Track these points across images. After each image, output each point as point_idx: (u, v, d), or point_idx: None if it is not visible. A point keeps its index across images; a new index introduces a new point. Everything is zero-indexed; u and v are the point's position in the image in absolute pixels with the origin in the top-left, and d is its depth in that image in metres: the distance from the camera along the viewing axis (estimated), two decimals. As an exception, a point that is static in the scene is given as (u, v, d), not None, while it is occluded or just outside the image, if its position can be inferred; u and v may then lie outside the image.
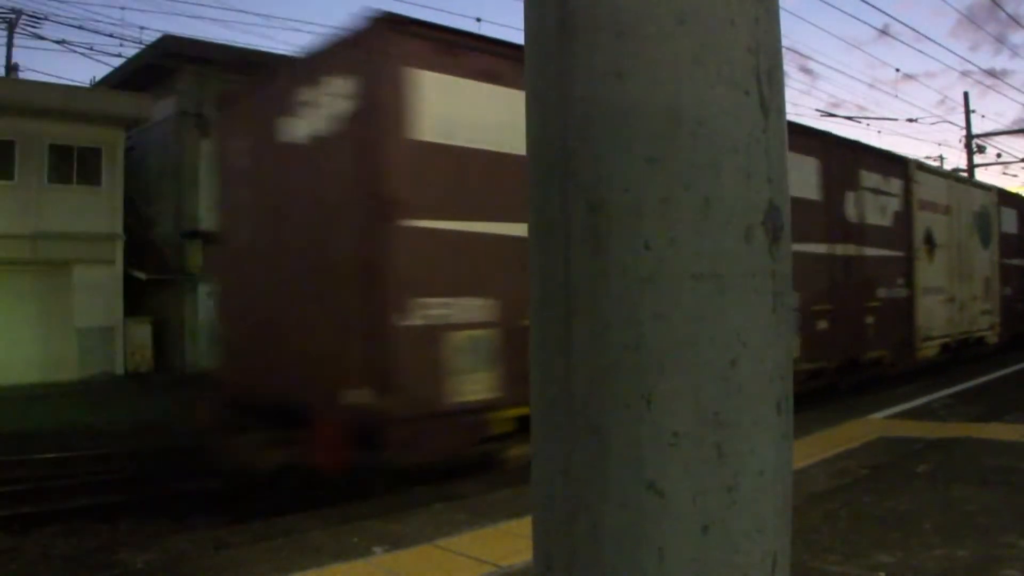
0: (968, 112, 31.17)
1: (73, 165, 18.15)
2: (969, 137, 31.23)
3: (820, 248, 9.99)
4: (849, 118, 52.27)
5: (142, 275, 19.06)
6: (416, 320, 5.71)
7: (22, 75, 21.52)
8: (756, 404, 0.99)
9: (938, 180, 13.84)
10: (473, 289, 6.04)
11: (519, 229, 5.42)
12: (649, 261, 0.96)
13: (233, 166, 7.55)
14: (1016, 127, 55.39)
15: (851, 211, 10.81)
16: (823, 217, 10.14)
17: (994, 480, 5.43)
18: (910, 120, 43.13)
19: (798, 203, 8.68)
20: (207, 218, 20.33)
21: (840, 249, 10.44)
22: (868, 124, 58.25)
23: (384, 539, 4.50)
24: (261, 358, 7.02)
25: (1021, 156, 72.47)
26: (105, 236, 18.33)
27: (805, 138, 9.96)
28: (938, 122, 67.26)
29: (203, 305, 20.24)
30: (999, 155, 33.32)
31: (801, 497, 4.96)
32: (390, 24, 5.80)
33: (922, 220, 12.70)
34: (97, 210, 18.33)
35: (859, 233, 10.91)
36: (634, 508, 0.96)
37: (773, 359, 1.01)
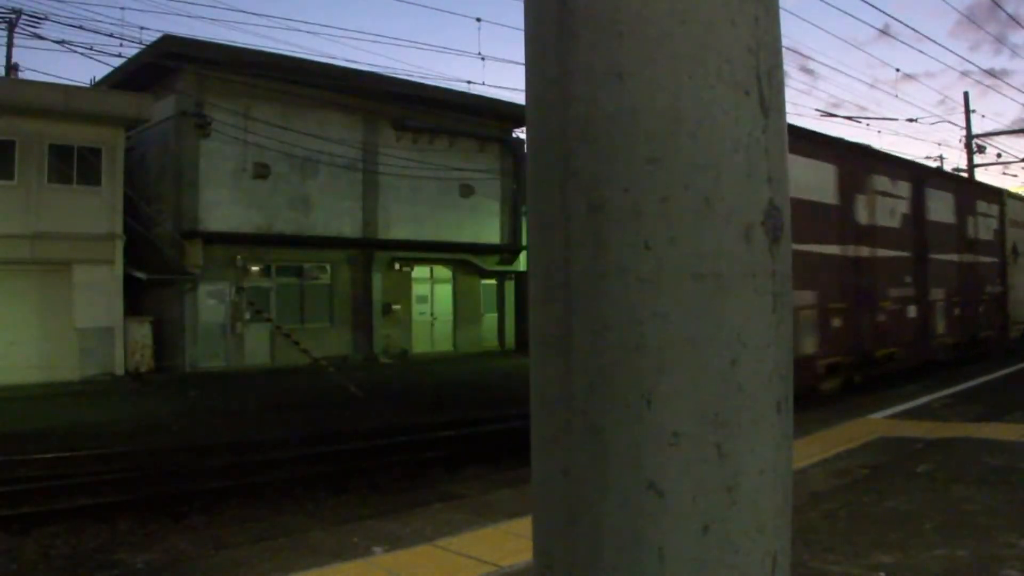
0: (968, 112, 31.19)
1: (73, 165, 18.14)
2: (969, 137, 31.24)
3: (953, 257, 14.16)
4: (849, 118, 52.22)
5: (142, 275, 19.06)
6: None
7: (22, 75, 21.54)
8: (756, 404, 0.99)
9: (1019, 203, 18.69)
10: (805, 285, 9.72)
11: (825, 248, 10.36)
12: (649, 261, 0.96)
13: None
14: (1016, 127, 55.41)
15: (971, 231, 15.34)
16: (957, 236, 14.49)
17: (994, 480, 5.43)
18: (910, 120, 43.16)
19: (945, 226, 13.84)
20: (206, 218, 20.37)
21: (965, 258, 14.76)
22: (868, 124, 58.28)
23: (384, 539, 4.50)
24: None
25: (1021, 156, 72.46)
26: (105, 236, 18.33)
27: (945, 179, 15.55)
28: (938, 122, 67.17)
29: (203, 305, 20.27)
30: (999, 155, 33.33)
31: (801, 497, 4.96)
32: None
33: (1011, 235, 17.47)
34: (97, 210, 18.33)
35: (975, 246, 15.34)
36: (634, 508, 0.96)
37: (773, 359, 1.01)
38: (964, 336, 14.43)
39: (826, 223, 10.46)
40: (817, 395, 9.75)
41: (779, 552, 1.01)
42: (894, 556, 3.91)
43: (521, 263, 26.77)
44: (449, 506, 5.65)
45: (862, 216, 11.42)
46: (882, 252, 11.70)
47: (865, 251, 11.36)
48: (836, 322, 10.51)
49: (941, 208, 13.73)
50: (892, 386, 10.83)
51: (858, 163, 11.66)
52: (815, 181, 10.28)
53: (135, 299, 19.20)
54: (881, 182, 12.05)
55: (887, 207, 12.05)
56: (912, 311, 12.41)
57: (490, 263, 26.23)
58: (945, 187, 14.42)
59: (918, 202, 12.95)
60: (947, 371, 12.52)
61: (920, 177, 13.40)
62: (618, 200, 0.97)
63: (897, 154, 16.65)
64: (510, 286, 26.89)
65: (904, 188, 12.64)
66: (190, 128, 20.09)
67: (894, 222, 12.22)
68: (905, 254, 12.39)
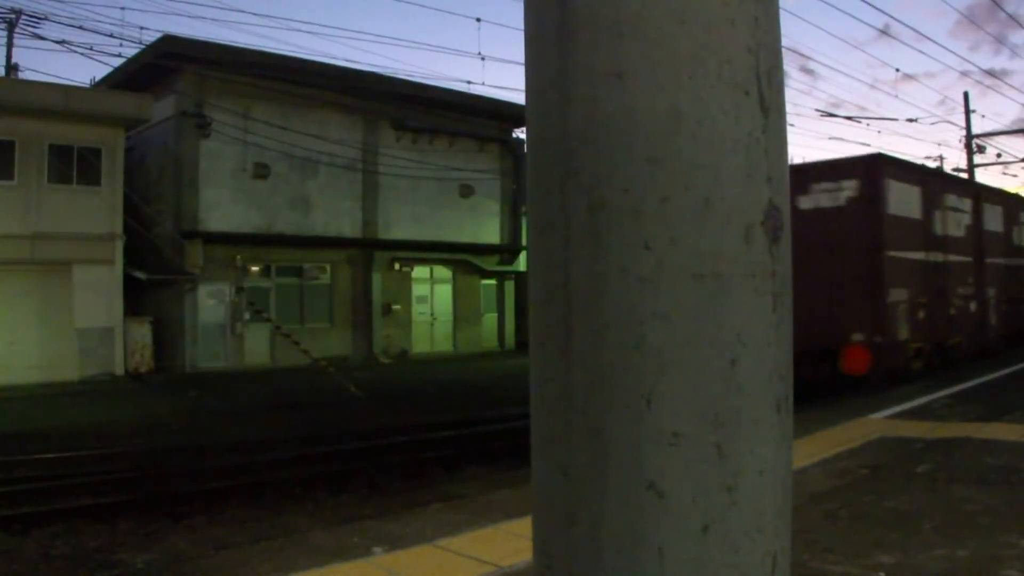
0: (968, 112, 31.18)
1: (73, 165, 18.13)
2: (969, 137, 31.23)
3: (1001, 261, 16.12)
4: (849, 118, 52.01)
5: (142, 275, 19.06)
6: (890, 299, 11.54)
7: (22, 75, 21.54)
8: (756, 404, 0.99)
9: None
10: (900, 284, 11.80)
11: (913, 255, 12.28)
12: (649, 261, 0.96)
13: None
14: (1016, 127, 55.36)
15: (1016, 238, 17.36)
16: (1004, 242, 16.63)
17: (994, 480, 5.43)
18: (910, 120, 43.11)
19: (995, 235, 15.92)
20: (206, 218, 20.38)
21: (1011, 261, 16.67)
22: (868, 124, 58.16)
23: (384, 539, 4.50)
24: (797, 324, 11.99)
25: (1021, 156, 72.48)
26: (105, 236, 18.32)
27: (995, 194, 17.20)
28: (938, 122, 67.11)
29: (203, 305, 20.27)
30: (999, 155, 33.27)
31: (801, 497, 4.96)
32: (879, 158, 12.45)
33: None
34: (97, 210, 18.32)
35: (1019, 251, 17.43)
36: (634, 508, 0.96)
37: (773, 359, 1.01)
38: (1011, 329, 16.32)
39: (913, 234, 12.52)
40: (909, 373, 12.00)
41: (779, 552, 1.01)
42: (894, 556, 3.91)
43: (521, 263, 26.77)
44: (449, 506, 5.65)
45: (938, 228, 13.49)
46: (952, 257, 13.85)
47: (940, 256, 13.41)
48: (920, 315, 12.47)
49: (993, 219, 15.96)
50: (958, 369, 12.88)
51: (935, 184, 13.85)
52: (906, 201, 12.34)
53: (135, 299, 19.19)
54: (951, 199, 14.17)
55: (955, 220, 14.27)
56: (973, 307, 14.57)
57: (490, 263, 26.24)
58: (995, 201, 16.65)
59: (977, 215, 15.11)
60: (999, 358, 14.53)
61: (978, 194, 15.77)
62: (618, 200, 0.97)
63: (952, 173, 19.54)
64: (510, 286, 26.89)
65: (967, 204, 14.87)
66: (190, 128, 20.09)
67: (960, 232, 14.36)
68: (968, 259, 14.51)
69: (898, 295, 11.70)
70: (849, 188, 11.70)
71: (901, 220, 11.96)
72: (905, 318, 11.86)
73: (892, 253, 11.58)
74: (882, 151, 13.11)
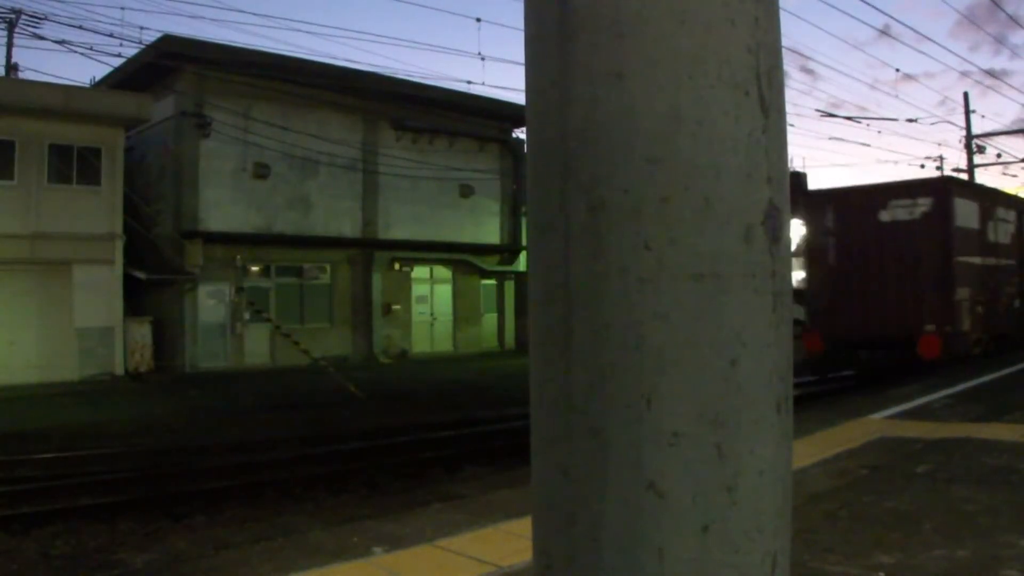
0: (968, 112, 31.17)
1: (73, 165, 18.13)
2: (969, 137, 31.23)
3: None
4: (849, 118, 52.01)
5: (142, 275, 19.06)
6: (957, 296, 13.76)
7: (22, 75, 21.53)
8: (756, 404, 0.99)
9: None
10: (966, 283, 14.06)
11: (973, 259, 14.50)
12: (649, 261, 0.96)
13: (823, 226, 15.16)
14: (1016, 127, 55.41)
15: None
16: None
17: (994, 480, 5.43)
18: (910, 120, 43.06)
19: None
20: (206, 218, 20.38)
21: None
22: (868, 124, 58.13)
23: (384, 539, 4.50)
24: (865, 317, 14.21)
25: (1021, 156, 72.47)
26: (105, 236, 18.32)
27: None
28: (938, 122, 67.13)
29: (203, 305, 20.27)
30: (999, 155, 33.26)
31: (801, 497, 4.95)
32: (950, 180, 16.28)
33: None
34: (97, 210, 18.32)
35: None
36: (634, 508, 0.96)
37: (773, 359, 1.01)
38: None
39: (973, 243, 14.82)
40: (970, 357, 13.98)
41: (779, 552, 1.01)
42: (894, 556, 3.91)
43: (521, 263, 26.77)
44: (449, 506, 5.65)
45: (991, 236, 15.78)
46: (1002, 261, 16.27)
47: (992, 260, 15.71)
48: (979, 309, 14.68)
49: None
50: (1003, 356, 14.76)
51: (988, 199, 16.28)
52: (967, 215, 14.66)
53: (135, 299, 19.19)
54: (1001, 212, 16.53)
55: (1004, 229, 16.67)
56: (1017, 303, 17.03)
57: (490, 263, 26.23)
58: None
59: (1020, 224, 17.56)
60: (1002, 358, 15.72)
61: (1021, 207, 18.13)
62: (618, 200, 0.97)
63: (1000, 189, 21.59)
64: (510, 286, 26.89)
65: (1012, 215, 17.25)
66: (190, 128, 20.08)
67: (1007, 240, 16.76)
68: (1013, 262, 16.92)
69: (962, 293, 14.06)
70: (924, 205, 14.15)
71: (964, 231, 14.40)
72: (967, 312, 14.24)
73: (959, 259, 14.05)
74: (952, 175, 17.19)
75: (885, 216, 14.35)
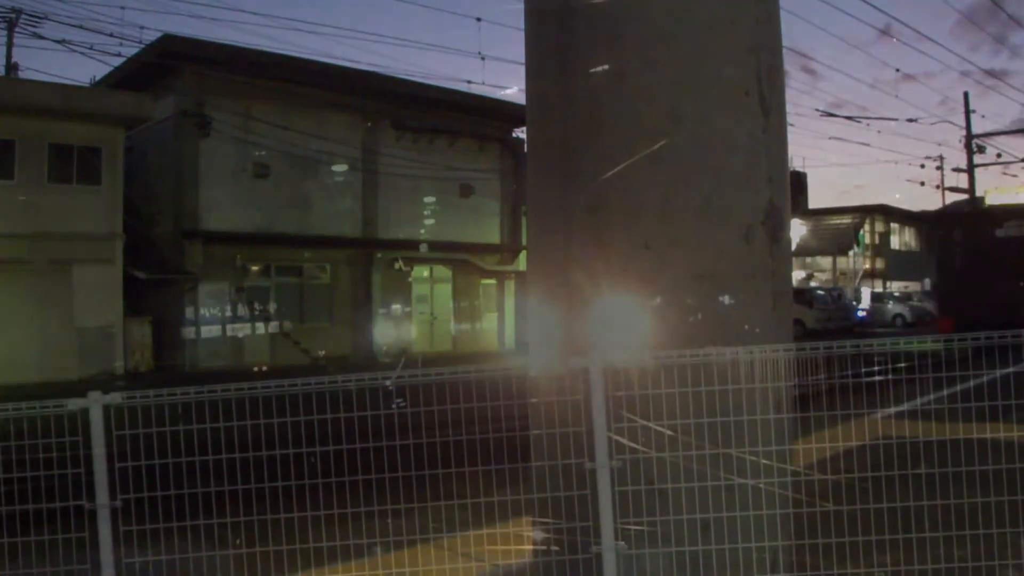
0: (968, 112, 31.18)
1: (73, 165, 18.13)
2: (969, 137, 31.24)
3: None
4: (849, 118, 51.91)
5: (142, 275, 19.06)
6: None
7: (22, 75, 21.53)
8: (756, 404, 0.99)
9: None
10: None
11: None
12: (649, 261, 0.96)
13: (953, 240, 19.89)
14: (1016, 127, 55.44)
15: None
16: None
17: (994, 480, 5.43)
18: (910, 120, 43.17)
19: None
20: (206, 217, 20.38)
21: None
22: (868, 124, 58.20)
23: (384, 539, 4.50)
24: (984, 307, 16.82)
25: (1021, 156, 72.54)
26: (105, 236, 18.32)
27: None
28: (938, 122, 67.06)
29: (203, 304, 20.27)
30: (999, 155, 33.28)
31: (801, 496, 4.95)
32: None
33: None
34: (97, 210, 18.32)
35: None
36: (635, 507, 0.96)
37: (773, 358, 1.01)
38: None
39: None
40: None
41: (779, 552, 1.01)
42: (894, 556, 3.91)
43: (521, 263, 26.77)
44: (449, 506, 5.64)
45: None
46: None
47: None
48: None
49: None
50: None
51: None
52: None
53: (135, 299, 19.19)
54: None
55: None
56: None
57: (490, 263, 26.24)
58: None
59: None
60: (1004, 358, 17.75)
61: None
62: (618, 200, 0.97)
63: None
64: (510, 286, 26.90)
65: None
66: (190, 127, 20.09)
67: None
68: None
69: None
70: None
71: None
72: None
73: None
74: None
75: (1001, 233, 19.35)
